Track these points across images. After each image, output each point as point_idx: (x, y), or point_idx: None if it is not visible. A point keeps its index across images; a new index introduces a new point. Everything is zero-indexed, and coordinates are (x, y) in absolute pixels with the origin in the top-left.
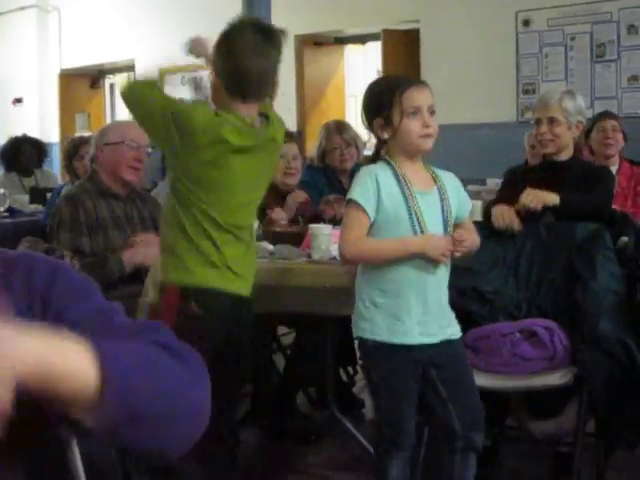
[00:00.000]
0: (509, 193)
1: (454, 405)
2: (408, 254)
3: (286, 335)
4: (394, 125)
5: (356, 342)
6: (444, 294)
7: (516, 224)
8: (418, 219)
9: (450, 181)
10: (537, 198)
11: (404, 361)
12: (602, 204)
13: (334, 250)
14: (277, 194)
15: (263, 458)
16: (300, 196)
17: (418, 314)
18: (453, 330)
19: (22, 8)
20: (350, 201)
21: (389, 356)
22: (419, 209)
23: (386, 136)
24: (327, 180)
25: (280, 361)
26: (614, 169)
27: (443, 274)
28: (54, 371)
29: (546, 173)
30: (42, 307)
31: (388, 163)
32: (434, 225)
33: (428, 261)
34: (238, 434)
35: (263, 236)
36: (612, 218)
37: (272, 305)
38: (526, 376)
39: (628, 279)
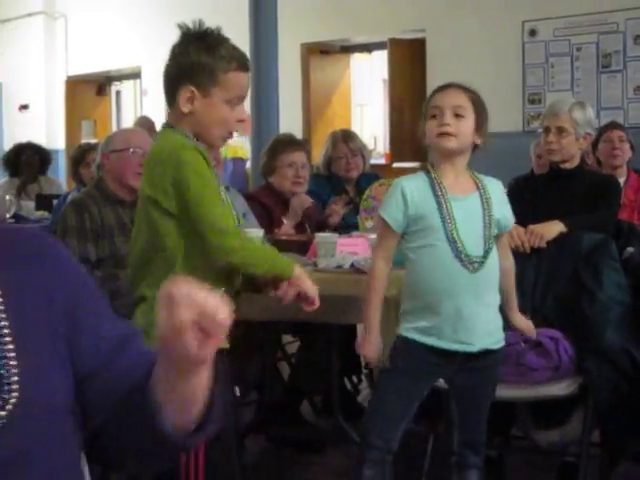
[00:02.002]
0: (516, 206)
1: (460, 423)
2: (363, 314)
3: (291, 344)
4: (424, 129)
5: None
6: (482, 300)
7: (526, 244)
8: (450, 226)
9: (495, 187)
10: (542, 237)
11: (427, 365)
12: (608, 222)
13: (340, 258)
14: (284, 203)
15: (268, 466)
16: (306, 201)
17: (451, 321)
18: (493, 339)
19: (29, 15)
20: (379, 215)
21: (413, 356)
22: (452, 216)
23: (426, 142)
24: (332, 189)
25: (285, 370)
26: (622, 180)
27: (477, 281)
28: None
29: (552, 183)
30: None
31: (427, 171)
32: (470, 231)
33: (460, 270)
34: (243, 441)
35: (269, 244)
36: (618, 229)
37: (277, 313)
38: (531, 386)
39: (634, 289)
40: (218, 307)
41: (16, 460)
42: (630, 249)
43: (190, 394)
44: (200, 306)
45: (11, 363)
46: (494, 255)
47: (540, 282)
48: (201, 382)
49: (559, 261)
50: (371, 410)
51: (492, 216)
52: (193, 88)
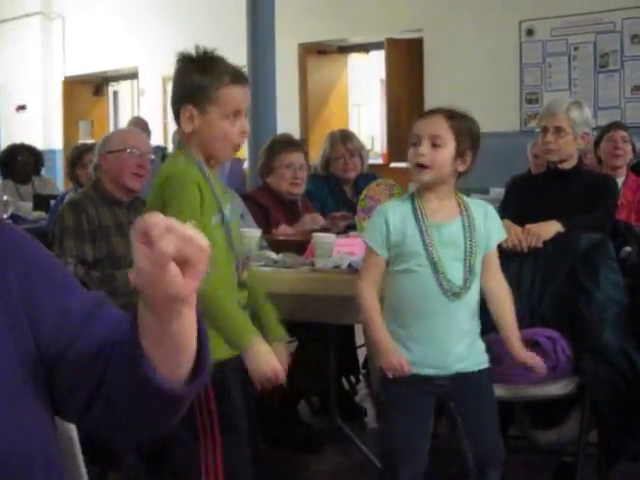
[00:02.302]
0: (513, 205)
1: (471, 440)
2: (373, 340)
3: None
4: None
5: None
6: (458, 326)
7: (524, 244)
8: (429, 251)
9: (480, 212)
10: (539, 237)
11: (416, 389)
12: (605, 222)
13: (337, 259)
14: (282, 204)
15: (265, 466)
16: (319, 221)
17: (424, 345)
18: (469, 363)
19: (26, 15)
20: (365, 242)
21: (399, 385)
22: (432, 242)
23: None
24: (330, 189)
25: None
26: (620, 181)
27: (456, 308)
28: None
29: (550, 183)
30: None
31: (412, 197)
32: (451, 258)
33: (438, 297)
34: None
35: (267, 244)
36: (615, 229)
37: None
38: (529, 386)
39: (631, 289)
40: (198, 235)
41: None
42: (627, 249)
43: (176, 338)
44: (180, 234)
45: None
46: (476, 283)
47: (537, 282)
48: (187, 324)
49: (556, 261)
50: (389, 445)
51: (475, 243)
52: (191, 107)
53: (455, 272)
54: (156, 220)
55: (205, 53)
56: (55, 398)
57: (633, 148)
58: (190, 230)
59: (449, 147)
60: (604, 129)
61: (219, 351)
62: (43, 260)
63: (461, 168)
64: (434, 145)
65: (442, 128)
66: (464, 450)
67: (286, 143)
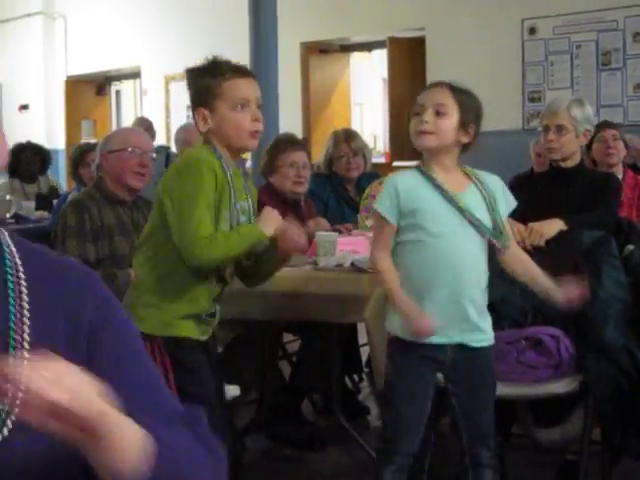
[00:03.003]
0: (517, 204)
1: (464, 418)
2: (397, 307)
3: (292, 342)
4: None
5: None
6: (468, 298)
7: (527, 241)
8: (438, 221)
9: (488, 180)
10: (541, 235)
11: (418, 360)
12: (608, 220)
13: (340, 257)
14: (285, 203)
15: (268, 465)
16: (325, 226)
17: (430, 315)
18: (475, 337)
19: (28, 15)
20: (374, 210)
21: (403, 354)
22: (442, 210)
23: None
24: (333, 188)
25: (286, 368)
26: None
27: (466, 280)
28: (103, 429)
29: (552, 181)
30: (87, 331)
31: (421, 170)
32: (459, 227)
33: (447, 267)
34: (243, 440)
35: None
36: (618, 226)
37: (278, 312)
38: (531, 384)
39: (634, 287)
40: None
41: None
42: (630, 247)
43: (108, 461)
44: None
45: None
46: (482, 255)
47: None
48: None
49: (559, 259)
50: (387, 419)
51: (482, 214)
52: (203, 109)
53: (462, 244)
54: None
55: (213, 59)
56: None
57: (625, 144)
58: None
59: (453, 116)
60: (594, 130)
61: (177, 328)
62: (108, 308)
63: (465, 139)
64: (438, 113)
65: (447, 97)
66: (460, 431)
67: (289, 142)
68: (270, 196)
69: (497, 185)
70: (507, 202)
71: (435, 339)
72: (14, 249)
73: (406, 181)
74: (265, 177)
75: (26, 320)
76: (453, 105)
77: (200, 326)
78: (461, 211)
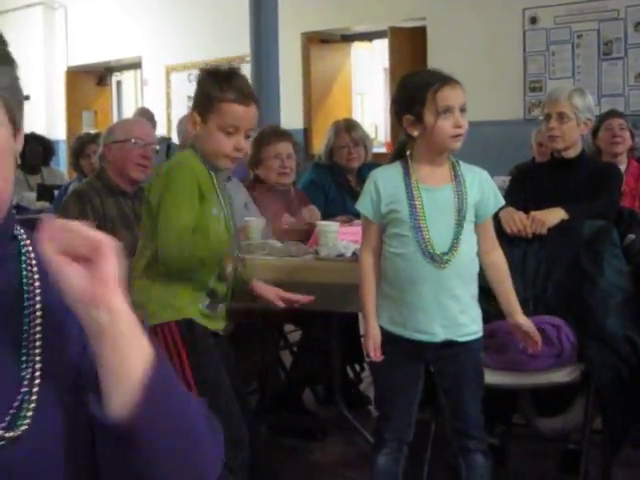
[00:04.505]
0: (518, 193)
1: (449, 410)
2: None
3: (293, 332)
4: (425, 123)
5: None
6: (448, 292)
7: (528, 230)
8: (419, 217)
9: (474, 178)
10: (543, 223)
11: (404, 352)
12: (609, 210)
13: (341, 247)
14: (273, 194)
15: (269, 454)
16: (317, 216)
17: (415, 311)
18: (460, 332)
19: (29, 6)
20: (359, 209)
21: (390, 344)
22: (422, 206)
23: (415, 133)
24: (333, 178)
25: (287, 358)
26: (622, 168)
27: (445, 274)
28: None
29: (554, 171)
30: None
31: (403, 163)
32: (439, 223)
33: (424, 263)
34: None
35: (271, 233)
36: (619, 215)
37: None
38: (533, 373)
39: (635, 276)
40: (83, 230)
41: (17, 473)
42: (631, 236)
43: (107, 360)
44: (68, 241)
45: (35, 382)
46: (465, 248)
47: (541, 269)
48: (113, 340)
49: (560, 248)
50: (378, 407)
51: (464, 209)
52: (196, 114)
53: (442, 238)
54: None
55: (229, 68)
56: None
57: (631, 135)
58: (86, 229)
59: None
60: (601, 118)
61: (189, 311)
62: None
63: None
64: (462, 112)
65: (465, 95)
66: (446, 420)
67: (273, 133)
68: (259, 188)
69: (478, 179)
70: (492, 199)
71: (419, 336)
72: (27, 240)
73: (387, 176)
74: (252, 170)
75: (38, 307)
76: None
77: (208, 319)
78: (414, 214)
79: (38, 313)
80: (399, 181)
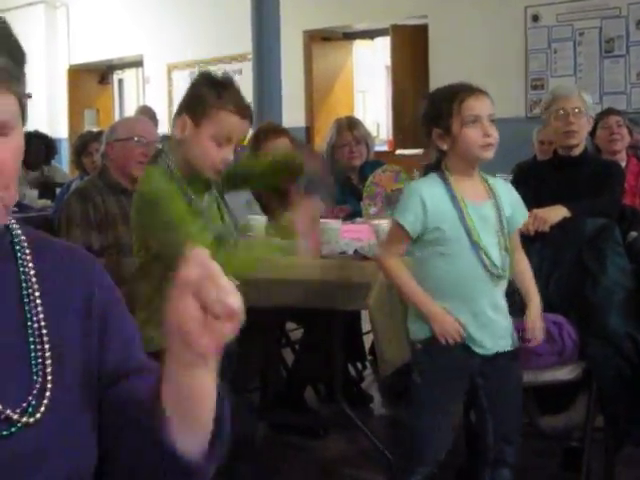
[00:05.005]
0: (520, 191)
1: (492, 416)
2: (419, 310)
3: (295, 330)
4: (453, 135)
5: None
6: (496, 306)
7: (531, 227)
8: (471, 234)
9: (505, 191)
10: (545, 221)
11: (450, 368)
12: (611, 208)
13: (343, 245)
14: (275, 191)
15: (271, 452)
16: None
17: (470, 326)
18: (507, 342)
19: (30, 4)
20: (394, 219)
21: (437, 354)
22: (473, 224)
23: (445, 147)
24: (335, 176)
25: (289, 356)
26: (622, 165)
27: (496, 288)
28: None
29: (556, 169)
30: (99, 303)
31: (442, 177)
32: (488, 238)
33: (484, 279)
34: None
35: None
36: (622, 213)
37: (281, 300)
38: (535, 371)
39: (637, 274)
40: (229, 293)
41: (33, 457)
42: (634, 233)
43: (194, 395)
44: (207, 291)
45: (47, 371)
46: (509, 262)
47: (544, 267)
48: (204, 384)
49: (563, 246)
50: (415, 432)
51: (505, 224)
52: (187, 118)
53: (494, 254)
54: (191, 270)
55: (225, 77)
56: None
57: (629, 131)
58: (224, 285)
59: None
60: (598, 117)
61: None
62: (113, 289)
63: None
64: (491, 122)
65: (492, 106)
66: (487, 426)
67: (271, 130)
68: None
69: (508, 195)
70: (520, 210)
71: (473, 347)
72: (23, 237)
73: (431, 192)
74: None
75: (39, 303)
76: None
77: None
78: (469, 232)
79: (38, 301)
80: (444, 197)
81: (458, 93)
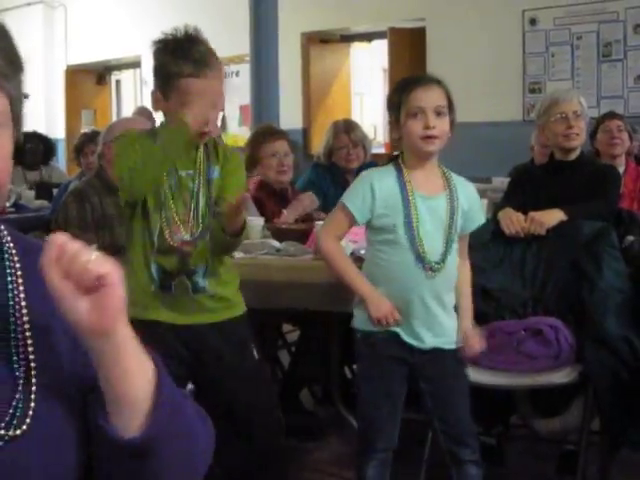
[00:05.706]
0: (517, 195)
1: (439, 420)
2: (355, 292)
3: (291, 332)
4: (401, 125)
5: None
6: (438, 300)
7: (527, 230)
8: (412, 224)
9: (465, 191)
10: (542, 224)
11: (388, 359)
12: (608, 211)
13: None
14: (272, 192)
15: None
16: (315, 203)
17: (405, 317)
18: (446, 340)
19: (28, 4)
20: (341, 202)
21: (373, 345)
22: (417, 214)
23: (395, 136)
24: (332, 178)
25: (285, 358)
26: (620, 169)
27: (436, 281)
28: (124, 352)
29: (553, 173)
30: None
31: (397, 166)
32: (432, 231)
33: (418, 272)
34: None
35: (269, 233)
36: (618, 217)
37: (277, 302)
38: (531, 374)
39: (634, 278)
40: (90, 261)
41: (15, 473)
42: (630, 237)
43: (113, 374)
44: (71, 267)
45: (33, 381)
46: (453, 257)
47: (540, 270)
48: (118, 359)
49: (559, 249)
50: (362, 417)
51: (456, 219)
52: (158, 93)
53: (434, 247)
54: (50, 251)
55: (183, 35)
56: None
57: (630, 136)
58: (88, 256)
59: (447, 116)
60: (599, 120)
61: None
62: None
63: (450, 134)
64: (438, 114)
65: (443, 98)
66: (436, 429)
67: (269, 132)
68: (257, 189)
69: (467, 194)
70: (477, 215)
71: (409, 340)
72: (10, 240)
73: (382, 181)
74: (249, 171)
75: (23, 304)
76: (446, 104)
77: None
78: (409, 222)
79: (24, 311)
80: (394, 187)
81: (408, 84)
